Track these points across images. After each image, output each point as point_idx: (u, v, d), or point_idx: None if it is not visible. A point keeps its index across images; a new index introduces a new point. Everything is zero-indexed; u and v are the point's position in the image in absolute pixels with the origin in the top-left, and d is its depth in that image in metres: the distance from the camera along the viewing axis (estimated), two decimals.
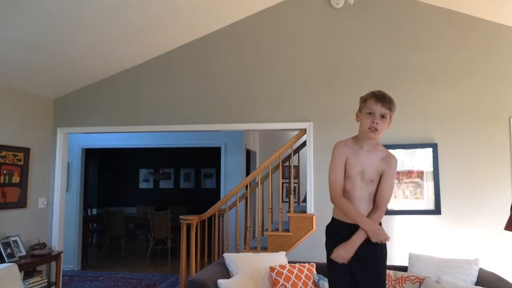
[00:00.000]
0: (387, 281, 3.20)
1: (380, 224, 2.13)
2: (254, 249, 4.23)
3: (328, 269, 2.20)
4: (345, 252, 2.02)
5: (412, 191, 3.98)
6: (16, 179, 4.25)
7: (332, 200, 2.14)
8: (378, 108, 2.06)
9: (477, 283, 3.13)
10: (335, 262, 2.08)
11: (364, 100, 2.13)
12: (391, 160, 2.15)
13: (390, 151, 2.27)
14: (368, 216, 2.08)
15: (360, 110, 2.15)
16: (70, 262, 6.30)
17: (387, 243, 2.11)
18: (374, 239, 2.01)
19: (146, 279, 5.83)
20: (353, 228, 2.06)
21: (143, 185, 10.36)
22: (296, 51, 4.33)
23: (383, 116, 2.07)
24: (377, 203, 2.10)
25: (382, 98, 2.08)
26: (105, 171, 10.23)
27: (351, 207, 2.08)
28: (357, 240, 2.02)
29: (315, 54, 4.29)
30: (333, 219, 2.22)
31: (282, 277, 3.40)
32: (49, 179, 4.75)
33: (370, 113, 2.06)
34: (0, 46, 3.50)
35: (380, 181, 2.11)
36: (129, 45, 4.21)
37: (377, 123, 2.05)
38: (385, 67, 4.15)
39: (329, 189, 2.15)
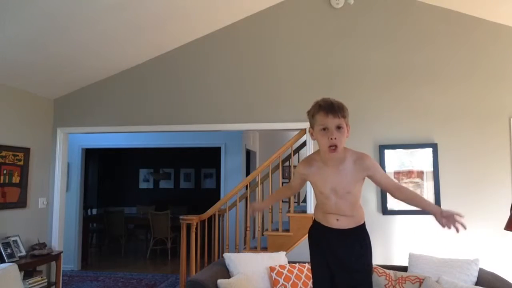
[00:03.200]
0: (387, 282, 3.20)
1: (364, 224, 2.05)
2: (254, 249, 4.23)
3: (312, 274, 2.18)
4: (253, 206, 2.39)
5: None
6: (16, 179, 4.25)
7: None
8: (331, 121, 1.82)
9: (477, 283, 3.14)
10: (317, 268, 2.08)
11: (312, 115, 1.90)
12: (366, 162, 1.94)
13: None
14: (412, 196, 1.99)
15: (312, 126, 1.92)
16: (70, 262, 6.30)
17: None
18: (251, 210, 2.40)
19: (146, 279, 5.83)
20: (332, 232, 2.01)
21: (143, 185, 10.36)
22: (296, 51, 4.33)
23: (339, 127, 1.83)
24: (390, 191, 1.99)
25: (331, 108, 1.83)
26: (105, 171, 10.23)
27: (278, 191, 2.49)
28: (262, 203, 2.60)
29: (315, 54, 4.29)
30: (314, 220, 2.16)
31: (282, 277, 3.40)
32: (49, 179, 4.75)
33: (324, 129, 1.84)
34: (0, 46, 3.49)
35: (377, 181, 1.99)
36: (129, 45, 4.21)
37: (335, 138, 1.82)
38: (385, 67, 4.15)
39: None
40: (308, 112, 1.94)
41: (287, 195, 2.51)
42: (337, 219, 2.01)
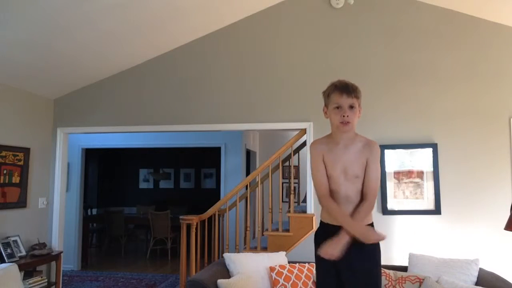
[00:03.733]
0: (387, 282, 3.20)
1: (372, 224, 2.01)
2: (254, 249, 4.23)
3: (316, 275, 2.11)
4: (331, 248, 1.87)
5: (412, 191, 3.98)
6: (16, 179, 4.25)
7: (320, 201, 2.03)
8: (345, 100, 1.92)
9: (477, 283, 3.14)
10: (322, 269, 2.01)
11: (327, 95, 2.01)
12: (373, 146, 1.99)
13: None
14: (355, 209, 1.94)
15: (326, 105, 2.04)
16: (70, 262, 6.30)
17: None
18: (366, 241, 1.86)
19: (146, 279, 5.83)
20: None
21: (143, 185, 10.36)
22: (296, 51, 4.33)
23: (352, 107, 1.93)
24: (364, 193, 1.97)
25: (346, 89, 1.94)
26: (105, 171, 10.23)
27: (337, 209, 1.96)
28: (344, 235, 1.88)
29: (315, 54, 4.29)
30: (321, 223, 2.10)
31: (282, 277, 3.40)
32: (49, 179, 4.74)
33: (337, 107, 1.94)
34: (0, 46, 3.49)
35: (366, 170, 1.97)
36: (129, 45, 4.21)
37: (347, 116, 1.92)
38: (385, 67, 4.15)
39: (315, 190, 2.06)
40: (324, 92, 2.05)
41: (337, 205, 2.02)
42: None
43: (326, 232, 2.01)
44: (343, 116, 1.92)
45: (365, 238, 1.87)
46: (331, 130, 2.07)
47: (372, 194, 1.97)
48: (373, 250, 1.99)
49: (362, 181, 1.99)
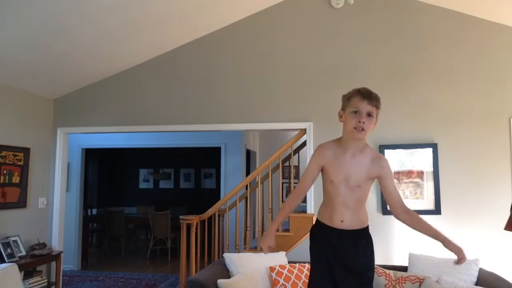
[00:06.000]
0: (387, 282, 3.20)
1: (367, 227, 2.05)
2: (254, 249, 4.24)
3: (310, 272, 2.13)
4: (263, 242, 2.08)
5: (412, 191, 3.98)
6: (16, 179, 4.25)
7: (291, 193, 2.18)
8: (365, 106, 1.89)
9: (477, 283, 3.14)
10: (317, 266, 2.04)
11: (348, 98, 1.98)
12: (383, 162, 2.00)
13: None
14: (418, 218, 1.99)
15: (343, 109, 1.99)
16: (70, 262, 6.30)
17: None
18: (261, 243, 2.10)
19: (146, 279, 5.83)
20: (336, 232, 1.98)
21: (143, 185, 10.36)
22: (296, 51, 4.33)
23: (369, 115, 1.91)
24: (399, 207, 2.00)
25: (368, 95, 1.92)
26: (105, 171, 10.23)
27: (286, 204, 2.14)
28: (271, 228, 2.10)
29: (315, 54, 4.29)
30: (317, 220, 2.14)
31: (282, 277, 3.40)
32: (49, 179, 4.75)
33: (355, 112, 1.90)
34: (0, 46, 3.49)
35: (384, 186, 1.99)
36: (129, 45, 4.21)
37: (363, 122, 1.89)
38: (385, 67, 4.15)
39: (299, 183, 2.14)
40: (344, 96, 2.02)
41: (296, 203, 2.18)
42: (342, 220, 2.00)
43: (321, 230, 2.07)
44: (359, 121, 1.89)
45: (262, 241, 2.10)
46: (342, 134, 2.04)
47: (403, 206, 2.00)
48: (367, 248, 2.03)
49: (363, 191, 2.01)
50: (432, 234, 1.97)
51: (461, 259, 1.96)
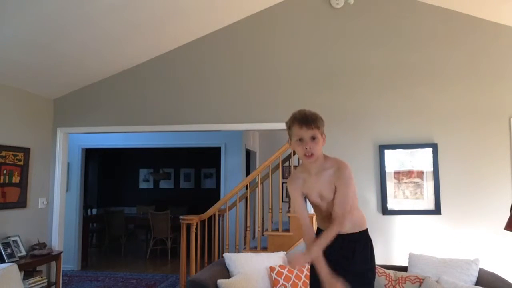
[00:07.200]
0: (387, 282, 3.21)
1: (366, 230, 2.08)
2: (254, 249, 4.24)
3: (310, 275, 2.15)
4: (297, 261, 1.96)
5: (412, 191, 3.98)
6: (16, 179, 4.25)
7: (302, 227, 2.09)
8: (305, 132, 1.92)
9: (477, 283, 3.14)
10: (316, 274, 2.03)
11: (289, 127, 2.01)
12: (341, 172, 1.98)
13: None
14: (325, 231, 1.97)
15: (290, 137, 2.03)
16: (70, 262, 6.30)
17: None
18: (292, 263, 1.97)
19: (146, 279, 5.83)
20: (337, 238, 1.98)
21: (143, 185, 10.36)
22: (296, 51, 4.33)
23: (313, 138, 1.93)
24: (332, 217, 1.98)
25: (305, 121, 1.93)
26: (105, 171, 10.23)
27: (306, 239, 2.06)
28: (308, 253, 1.96)
29: (315, 54, 4.29)
30: (318, 229, 2.18)
31: (282, 277, 3.40)
32: (49, 179, 4.74)
33: (300, 139, 1.94)
34: (0, 46, 3.49)
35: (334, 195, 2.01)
36: (129, 45, 4.21)
37: (309, 148, 1.92)
38: (385, 67, 4.15)
39: (300, 220, 2.09)
40: (286, 123, 2.04)
41: (312, 232, 2.11)
42: None
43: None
44: (306, 148, 1.92)
45: (293, 261, 1.97)
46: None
47: (337, 219, 1.96)
48: (366, 253, 2.07)
49: None
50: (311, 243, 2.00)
51: (289, 263, 2.04)
